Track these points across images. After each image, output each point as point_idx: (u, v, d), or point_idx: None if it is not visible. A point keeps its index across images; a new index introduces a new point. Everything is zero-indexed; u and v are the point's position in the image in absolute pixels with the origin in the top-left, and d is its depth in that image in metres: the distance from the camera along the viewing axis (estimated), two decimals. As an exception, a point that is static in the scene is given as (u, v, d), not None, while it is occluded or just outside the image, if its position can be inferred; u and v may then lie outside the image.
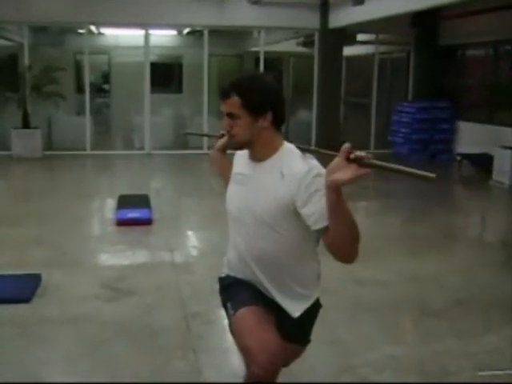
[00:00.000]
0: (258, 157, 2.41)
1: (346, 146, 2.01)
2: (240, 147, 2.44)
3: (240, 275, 2.51)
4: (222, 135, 2.69)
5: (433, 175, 1.94)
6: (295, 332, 2.50)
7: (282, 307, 2.46)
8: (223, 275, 2.60)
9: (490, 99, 11.59)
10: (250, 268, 2.45)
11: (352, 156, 1.99)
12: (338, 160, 2.01)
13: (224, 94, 2.33)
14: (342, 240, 2.14)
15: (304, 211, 2.25)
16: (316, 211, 2.22)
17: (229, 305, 2.45)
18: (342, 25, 12.25)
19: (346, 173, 1.99)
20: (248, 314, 2.35)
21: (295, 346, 2.54)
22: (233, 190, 2.53)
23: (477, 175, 10.49)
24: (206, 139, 12.74)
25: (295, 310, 2.48)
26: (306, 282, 2.50)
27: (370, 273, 5.16)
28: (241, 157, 2.53)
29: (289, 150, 2.39)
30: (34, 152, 11.65)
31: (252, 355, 2.21)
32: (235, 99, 2.31)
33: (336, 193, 2.04)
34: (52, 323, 4.01)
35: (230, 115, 2.34)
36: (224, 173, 2.74)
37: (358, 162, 1.98)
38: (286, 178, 2.30)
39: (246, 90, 2.31)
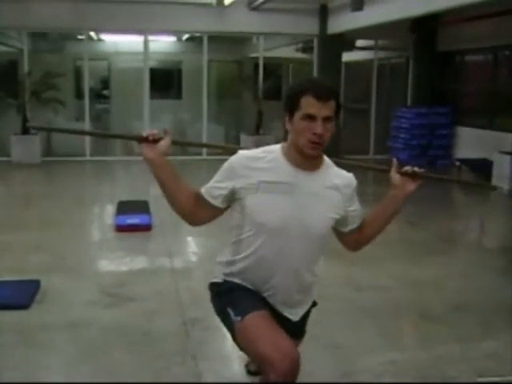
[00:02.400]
0: (311, 166, 2.36)
1: (395, 162, 2.51)
2: (318, 156, 2.35)
3: (251, 286, 2.45)
4: (143, 138, 2.38)
5: (494, 186, 2.18)
6: (294, 330, 2.51)
7: (284, 315, 2.47)
8: (219, 280, 2.54)
9: (489, 104, 11.60)
10: (272, 279, 2.40)
11: (409, 171, 2.50)
12: (399, 176, 2.52)
13: (326, 97, 2.24)
14: (377, 234, 2.64)
15: (350, 210, 2.52)
16: (357, 212, 2.56)
17: (230, 311, 2.39)
18: (341, 31, 12.28)
19: (409, 185, 2.54)
20: (259, 320, 2.30)
21: (294, 341, 2.53)
22: (270, 199, 2.34)
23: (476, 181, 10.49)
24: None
25: (297, 315, 2.51)
26: (314, 289, 2.55)
27: (370, 278, 5.17)
28: (270, 163, 2.36)
29: (327, 159, 2.46)
30: (34, 158, 11.66)
31: (272, 363, 2.16)
32: (332, 103, 2.27)
33: (404, 202, 2.58)
34: (51, 329, 4.00)
35: (327, 119, 2.26)
36: (170, 179, 2.42)
37: (413, 175, 2.50)
38: (342, 189, 2.44)
39: (338, 94, 2.31)
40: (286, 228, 2.34)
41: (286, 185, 2.33)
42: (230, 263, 2.50)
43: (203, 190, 2.45)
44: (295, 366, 2.19)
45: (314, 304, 2.65)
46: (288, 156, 2.36)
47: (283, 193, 2.33)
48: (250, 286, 2.45)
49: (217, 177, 2.44)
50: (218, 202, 2.42)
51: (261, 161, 2.36)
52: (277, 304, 2.46)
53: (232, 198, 2.42)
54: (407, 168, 2.50)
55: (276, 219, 2.34)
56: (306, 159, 2.33)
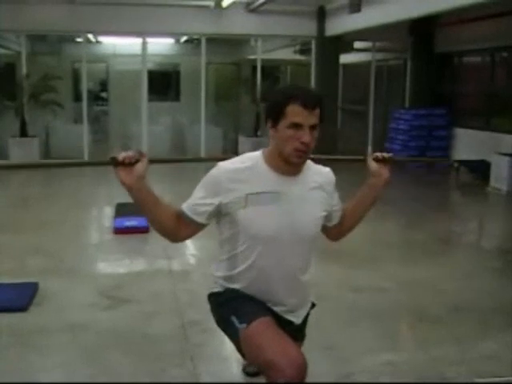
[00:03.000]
0: (295, 171, 2.33)
1: (372, 152, 2.55)
2: (302, 164, 2.32)
3: (255, 295, 2.41)
4: (118, 162, 2.24)
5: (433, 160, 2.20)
6: (296, 333, 2.51)
7: (287, 318, 2.46)
8: (220, 290, 2.48)
9: (486, 106, 11.62)
10: (274, 288, 2.39)
11: (380, 156, 2.55)
12: (375, 164, 2.54)
13: (312, 105, 2.22)
14: (358, 223, 2.67)
15: (333, 205, 2.54)
16: (338, 206, 2.60)
17: (234, 319, 2.34)
18: (339, 32, 12.30)
19: (385, 171, 2.55)
20: (264, 327, 2.27)
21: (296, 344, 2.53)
22: (260, 211, 2.29)
23: (474, 182, 10.50)
24: (204, 146, 12.78)
25: (300, 317, 2.51)
26: (309, 287, 2.55)
27: (367, 279, 5.17)
28: (254, 173, 2.31)
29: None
30: (32, 160, 11.64)
31: (280, 369, 2.13)
32: (318, 111, 2.25)
33: (384, 188, 2.58)
34: (49, 331, 4.00)
35: (313, 127, 2.24)
36: (150, 201, 2.36)
37: (384, 161, 2.55)
38: (325, 187, 2.44)
39: (323, 101, 2.28)
40: (280, 236, 2.32)
41: (273, 194, 2.29)
42: (229, 278, 2.45)
43: (185, 208, 2.37)
44: (303, 371, 2.18)
45: (313, 305, 2.65)
46: (271, 163, 2.33)
47: (272, 202, 2.30)
48: (252, 295, 2.42)
49: (199, 192, 2.38)
50: (202, 219, 2.35)
51: (245, 172, 2.31)
52: (280, 311, 2.45)
53: (218, 214, 2.36)
54: (377, 154, 2.57)
55: (269, 230, 2.31)
56: (290, 166, 2.31)
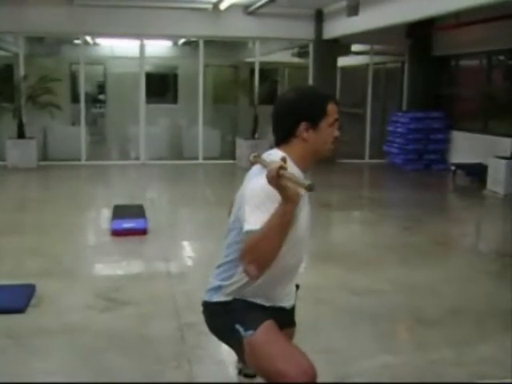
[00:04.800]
0: (307, 170, 2.36)
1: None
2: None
3: (262, 301, 2.35)
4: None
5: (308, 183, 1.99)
6: (289, 318, 2.51)
7: (283, 306, 2.45)
8: (223, 299, 2.36)
9: (484, 109, 11.64)
10: (283, 283, 2.38)
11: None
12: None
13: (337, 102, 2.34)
14: None
15: None
16: None
17: (239, 327, 2.27)
18: (337, 35, 12.32)
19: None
20: (272, 335, 2.24)
21: (290, 330, 2.53)
22: (303, 214, 2.29)
23: (471, 185, 10.52)
24: (201, 148, 12.80)
25: (291, 301, 2.50)
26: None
27: (365, 282, 5.18)
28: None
29: None
30: (29, 162, 11.64)
31: (292, 379, 2.12)
32: None
33: None
34: (47, 333, 3.99)
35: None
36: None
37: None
38: None
39: None
40: (300, 235, 2.30)
41: (304, 196, 2.25)
42: (240, 284, 2.33)
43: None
44: (314, 381, 2.18)
45: (297, 287, 2.60)
46: (300, 165, 2.30)
47: (304, 204, 2.31)
48: (259, 302, 2.35)
49: (262, 212, 2.09)
50: None
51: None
52: (281, 303, 2.43)
53: None
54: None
55: (301, 232, 2.29)
56: (311, 164, 2.36)
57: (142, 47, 12.80)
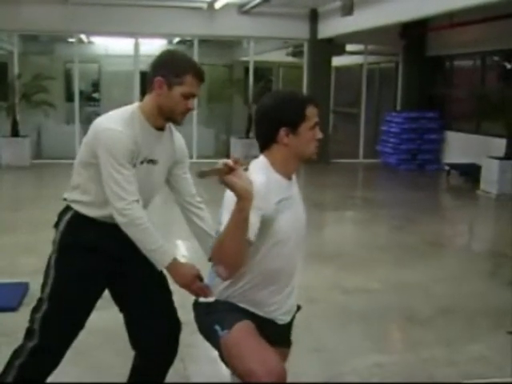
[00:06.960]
0: (293, 173, 2.37)
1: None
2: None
3: (250, 307, 2.35)
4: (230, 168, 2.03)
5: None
6: (281, 337, 2.47)
7: (274, 319, 2.43)
8: (209, 300, 2.42)
9: (477, 109, 11.66)
10: (269, 288, 2.34)
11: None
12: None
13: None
14: None
15: None
16: None
17: (217, 327, 2.29)
18: (331, 35, 12.35)
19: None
20: (245, 334, 2.24)
21: (283, 350, 2.49)
22: (284, 217, 2.25)
23: (465, 185, 10.55)
24: (196, 147, 12.80)
25: (289, 315, 2.48)
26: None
27: (357, 281, 5.20)
28: (271, 183, 2.23)
29: None
30: (23, 161, 11.62)
31: (258, 378, 2.11)
32: None
33: None
34: (39, 332, 3.99)
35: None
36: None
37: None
38: (295, 183, 2.43)
39: None
40: (288, 239, 2.31)
41: (286, 200, 2.28)
42: (220, 284, 2.37)
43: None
44: (282, 380, 2.16)
45: (299, 308, 2.61)
46: (280, 170, 2.30)
47: (288, 208, 2.29)
48: (243, 306, 2.35)
49: (229, 210, 2.14)
50: (254, 238, 2.17)
51: (267, 183, 2.22)
52: (277, 316, 2.41)
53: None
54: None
55: (286, 234, 2.29)
56: (296, 168, 2.35)
57: (136, 46, 12.80)
